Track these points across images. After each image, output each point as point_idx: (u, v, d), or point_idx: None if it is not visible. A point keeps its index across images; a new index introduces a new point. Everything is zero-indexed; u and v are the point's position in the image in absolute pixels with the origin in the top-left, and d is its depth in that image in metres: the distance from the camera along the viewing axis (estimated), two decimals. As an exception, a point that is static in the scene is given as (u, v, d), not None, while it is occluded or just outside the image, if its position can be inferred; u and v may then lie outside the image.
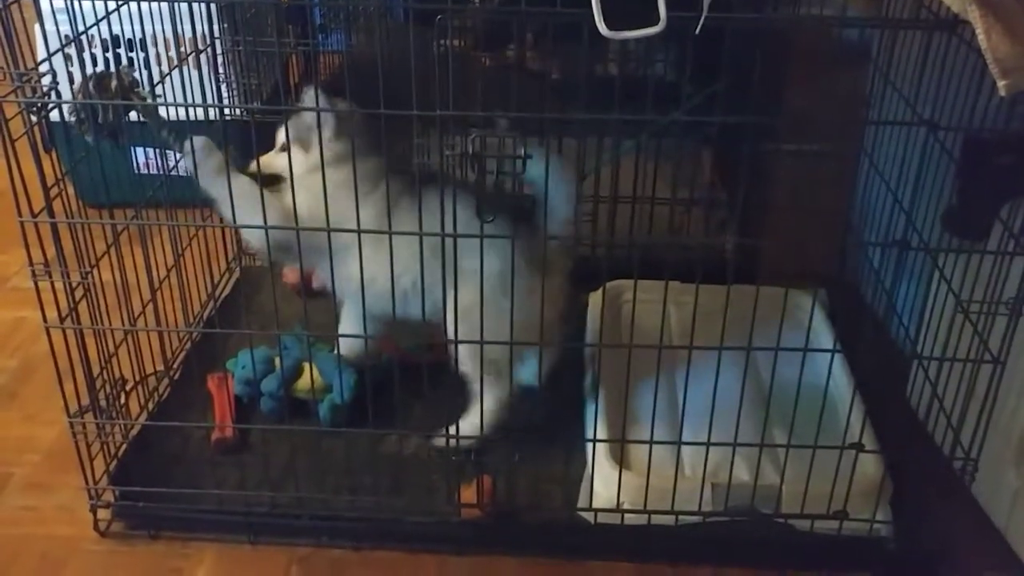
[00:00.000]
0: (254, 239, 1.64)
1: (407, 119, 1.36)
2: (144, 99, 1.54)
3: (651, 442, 1.54)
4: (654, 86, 1.52)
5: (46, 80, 1.36)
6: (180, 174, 1.73)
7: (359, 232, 1.47)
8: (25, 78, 1.33)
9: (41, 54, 1.40)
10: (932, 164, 1.52)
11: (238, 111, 2.33)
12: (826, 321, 1.97)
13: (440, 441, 1.69)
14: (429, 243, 1.51)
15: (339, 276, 1.58)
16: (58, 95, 1.39)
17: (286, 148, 1.64)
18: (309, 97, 1.57)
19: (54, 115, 1.43)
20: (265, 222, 1.51)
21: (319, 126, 1.48)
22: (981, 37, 1.13)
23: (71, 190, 1.50)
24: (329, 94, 1.58)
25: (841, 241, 2.05)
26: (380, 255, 1.53)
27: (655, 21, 1.14)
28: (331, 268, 1.55)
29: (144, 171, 2.31)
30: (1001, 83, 1.15)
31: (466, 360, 1.67)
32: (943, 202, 1.63)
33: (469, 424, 1.69)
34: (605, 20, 1.13)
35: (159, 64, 2.46)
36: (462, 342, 1.62)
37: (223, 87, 2.34)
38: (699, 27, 1.17)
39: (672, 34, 1.15)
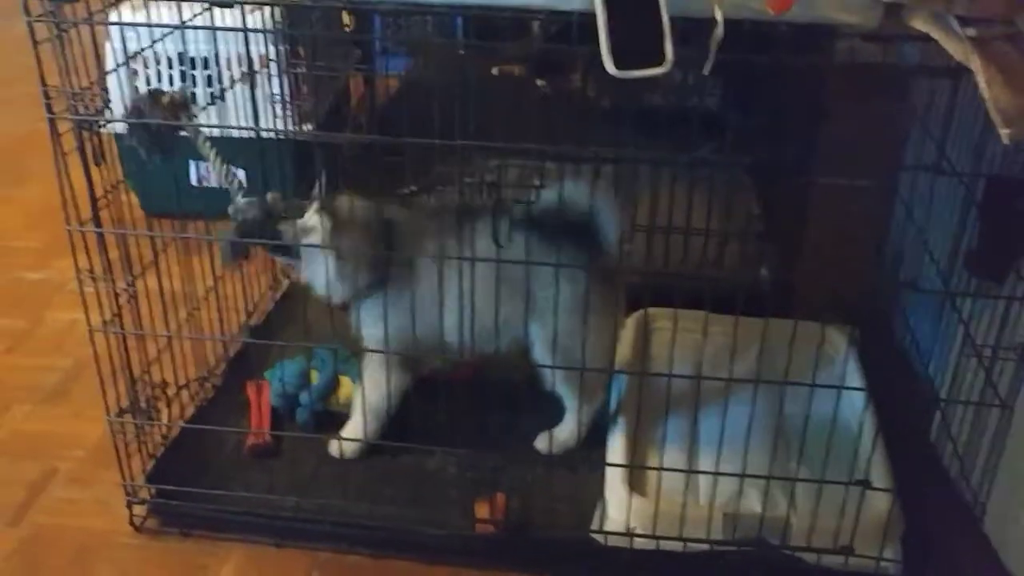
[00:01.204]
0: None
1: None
2: (192, 117, 1.62)
3: (661, 468, 1.58)
4: (699, 117, 1.55)
5: (97, 100, 1.45)
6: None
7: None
8: (78, 97, 1.42)
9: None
10: (947, 205, 1.53)
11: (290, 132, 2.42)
12: (856, 359, 1.98)
13: (541, 444, 1.82)
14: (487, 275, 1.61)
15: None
16: (110, 112, 1.48)
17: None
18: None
19: (118, 127, 1.52)
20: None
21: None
22: (983, 87, 1.15)
23: (133, 199, 1.59)
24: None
25: (872, 278, 2.06)
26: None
27: (660, 61, 1.18)
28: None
29: (203, 184, 2.42)
30: (1003, 132, 1.17)
31: (562, 382, 1.76)
32: (964, 244, 1.64)
33: (567, 432, 1.81)
34: (614, 59, 1.18)
35: (220, 82, 2.57)
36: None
37: (278, 108, 2.42)
38: (708, 67, 1.21)
39: (721, 68, 1.19)
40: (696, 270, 2.22)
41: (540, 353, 1.75)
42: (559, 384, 1.78)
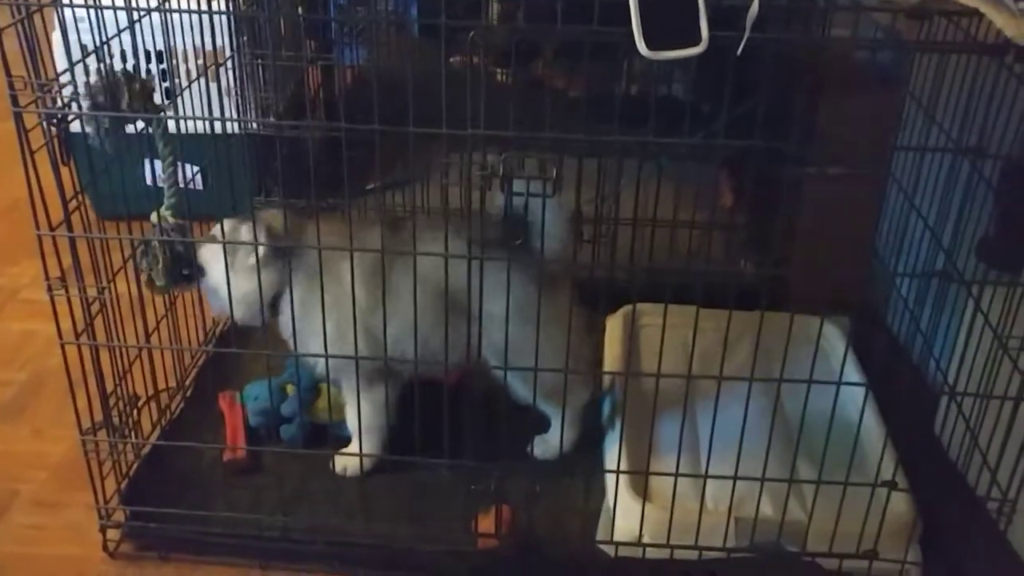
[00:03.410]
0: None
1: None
2: (160, 108, 1.50)
3: (676, 475, 1.50)
4: (671, 106, 1.49)
5: (67, 91, 1.33)
6: (195, 188, 1.70)
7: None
8: (46, 88, 1.30)
9: (60, 65, 1.37)
10: (963, 191, 1.49)
11: (254, 125, 2.30)
12: (849, 350, 1.93)
13: (539, 450, 1.76)
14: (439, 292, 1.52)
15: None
16: (79, 106, 1.36)
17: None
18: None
19: (74, 127, 1.40)
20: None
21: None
22: (1035, 65, 1.09)
23: (87, 202, 1.47)
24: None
25: (866, 269, 2.01)
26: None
27: (696, 41, 1.10)
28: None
29: (159, 184, 2.29)
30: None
31: (525, 391, 1.66)
32: (978, 232, 1.60)
33: (555, 439, 1.72)
34: (645, 40, 1.10)
35: (178, 76, 2.44)
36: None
37: (236, 101, 2.31)
38: (741, 48, 1.14)
39: (701, 55, 1.12)
40: (679, 263, 2.17)
41: (498, 365, 1.64)
42: (529, 396, 1.67)
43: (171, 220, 1.58)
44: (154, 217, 1.59)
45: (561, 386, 1.64)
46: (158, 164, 2.24)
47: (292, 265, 1.59)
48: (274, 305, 1.65)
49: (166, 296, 1.74)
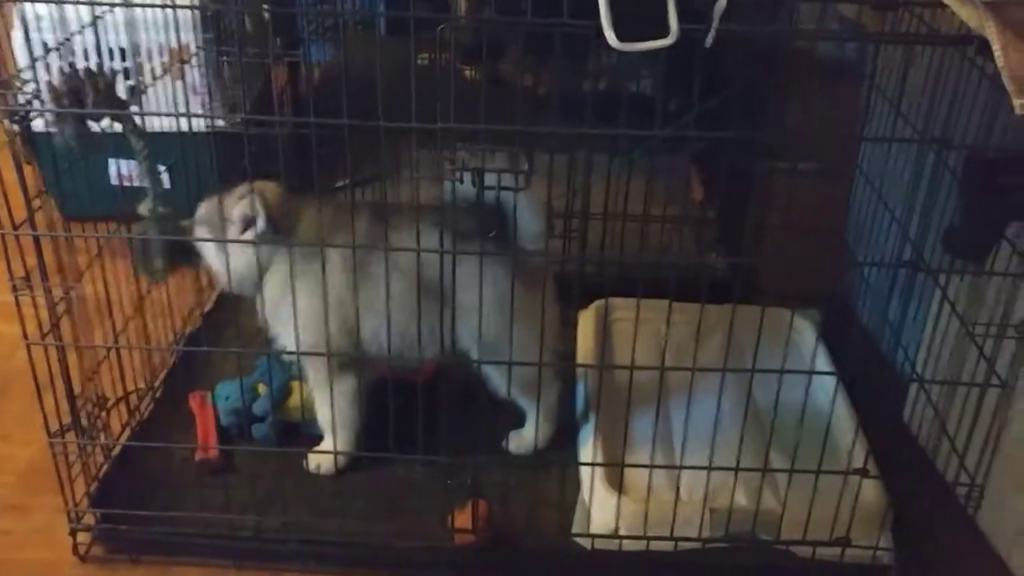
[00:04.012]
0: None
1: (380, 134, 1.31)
2: (126, 104, 1.49)
3: (651, 466, 1.51)
4: (638, 102, 1.49)
5: (29, 88, 1.31)
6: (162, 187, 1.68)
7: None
8: (7, 85, 1.28)
9: (22, 62, 1.35)
10: (929, 183, 1.50)
11: (220, 122, 2.28)
12: (820, 342, 1.94)
13: (513, 445, 1.76)
14: (412, 283, 1.50)
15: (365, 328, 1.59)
16: (41, 103, 1.34)
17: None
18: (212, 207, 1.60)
19: (36, 125, 1.38)
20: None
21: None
22: (998, 54, 1.10)
23: (51, 202, 1.45)
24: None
25: (836, 260, 2.03)
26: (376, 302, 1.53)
27: (665, 33, 1.10)
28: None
29: (126, 183, 2.26)
30: (1017, 102, 1.12)
31: (501, 383, 1.65)
32: (943, 222, 1.61)
33: (530, 433, 1.73)
34: (615, 31, 1.10)
35: (143, 74, 2.41)
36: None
37: (203, 99, 2.29)
38: (710, 40, 1.14)
39: (668, 48, 1.12)
40: (651, 257, 2.18)
41: (476, 357, 1.64)
42: (510, 388, 1.66)
43: (160, 210, 1.58)
44: (143, 208, 1.58)
45: (532, 378, 1.64)
46: (128, 163, 2.24)
47: (280, 240, 1.58)
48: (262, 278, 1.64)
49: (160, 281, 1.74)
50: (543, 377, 1.65)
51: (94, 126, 1.45)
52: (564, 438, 1.77)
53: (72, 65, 1.38)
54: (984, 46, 1.13)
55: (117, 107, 1.46)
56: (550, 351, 1.63)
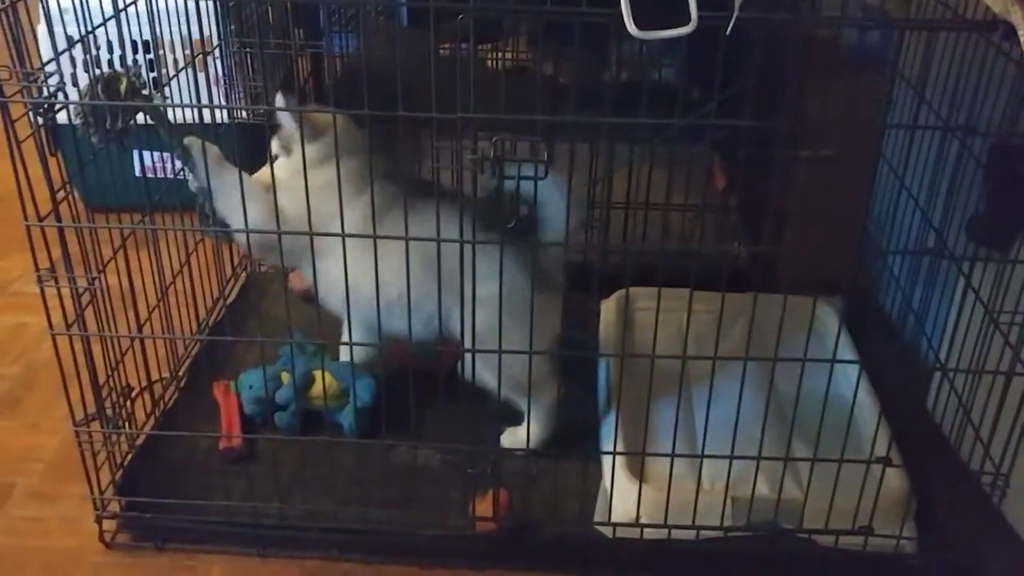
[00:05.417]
0: (239, 236, 1.63)
1: (407, 123, 1.31)
2: (151, 101, 1.50)
3: (672, 455, 1.50)
4: (659, 91, 1.48)
5: (53, 80, 1.32)
6: (185, 177, 1.70)
7: (343, 236, 1.44)
8: (32, 78, 1.29)
9: (46, 55, 1.36)
10: (953, 170, 1.49)
11: (244, 114, 2.30)
12: (842, 330, 1.93)
13: (507, 441, 1.73)
14: (422, 258, 1.48)
15: (322, 281, 1.58)
16: (65, 96, 1.35)
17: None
18: (280, 102, 1.62)
19: (60, 117, 1.39)
20: (247, 223, 1.51)
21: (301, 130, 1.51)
22: (1024, 39, 1.09)
23: (75, 193, 1.46)
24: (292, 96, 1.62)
25: (857, 248, 2.01)
26: (364, 262, 1.48)
27: (685, 21, 1.10)
28: (313, 272, 1.57)
29: (149, 175, 2.28)
30: (1043, 88, 1.11)
31: (490, 379, 1.63)
32: (968, 210, 1.60)
33: (517, 438, 1.71)
34: (635, 20, 1.10)
35: (165, 66, 2.42)
36: (478, 350, 1.58)
37: (226, 91, 2.30)
38: (730, 27, 1.14)
39: (688, 36, 1.12)
40: (672, 246, 2.17)
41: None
42: (491, 383, 1.64)
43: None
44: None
45: (524, 377, 1.60)
46: (147, 155, 2.26)
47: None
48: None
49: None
50: (541, 377, 1.63)
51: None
52: (586, 427, 1.77)
53: (100, 69, 1.39)
54: (1010, 31, 1.12)
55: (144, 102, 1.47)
56: (546, 346, 1.62)
